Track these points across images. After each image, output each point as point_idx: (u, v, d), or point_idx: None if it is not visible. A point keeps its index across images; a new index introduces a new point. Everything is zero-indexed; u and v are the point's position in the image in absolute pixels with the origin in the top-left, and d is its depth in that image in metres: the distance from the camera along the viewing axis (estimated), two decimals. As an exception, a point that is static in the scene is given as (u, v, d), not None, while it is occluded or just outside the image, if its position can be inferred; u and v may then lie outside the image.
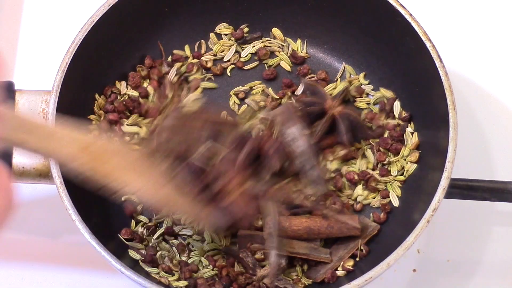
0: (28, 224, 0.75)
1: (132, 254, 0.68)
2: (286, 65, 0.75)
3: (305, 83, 0.73)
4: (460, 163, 0.66)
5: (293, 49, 0.76)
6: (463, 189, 0.68)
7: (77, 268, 0.73)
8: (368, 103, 0.74)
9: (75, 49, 0.68)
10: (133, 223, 0.70)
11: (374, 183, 0.70)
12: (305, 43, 0.76)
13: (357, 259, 0.67)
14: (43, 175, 0.68)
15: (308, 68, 0.75)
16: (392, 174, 0.70)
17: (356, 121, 0.71)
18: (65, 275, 0.73)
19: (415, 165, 0.70)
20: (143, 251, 0.69)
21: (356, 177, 0.70)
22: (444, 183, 0.63)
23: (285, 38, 0.76)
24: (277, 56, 0.76)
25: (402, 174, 0.70)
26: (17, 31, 0.83)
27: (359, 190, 0.70)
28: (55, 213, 0.71)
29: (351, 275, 0.66)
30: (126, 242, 0.69)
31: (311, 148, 0.68)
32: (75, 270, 0.73)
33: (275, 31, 0.76)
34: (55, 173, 0.64)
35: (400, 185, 0.70)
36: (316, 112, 0.70)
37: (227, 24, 0.76)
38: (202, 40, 0.76)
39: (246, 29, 0.76)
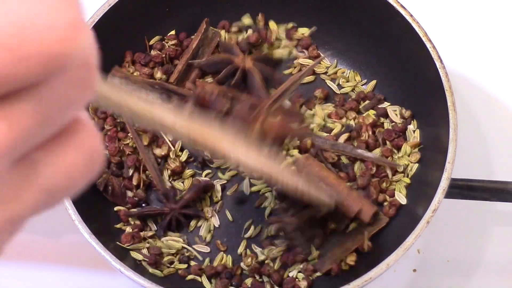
0: (28, 223, 0.75)
1: (134, 254, 0.68)
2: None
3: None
4: (460, 163, 0.66)
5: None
6: (463, 189, 0.68)
7: (77, 268, 0.73)
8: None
9: (75, 49, 0.68)
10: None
11: (385, 184, 0.70)
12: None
13: (365, 249, 0.67)
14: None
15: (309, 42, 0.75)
16: (398, 170, 0.70)
17: (268, 72, 0.71)
18: (65, 275, 0.73)
19: (416, 165, 0.70)
20: (144, 251, 0.68)
21: (374, 168, 0.70)
22: (444, 184, 0.63)
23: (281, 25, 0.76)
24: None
25: (406, 176, 0.70)
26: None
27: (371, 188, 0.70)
28: (55, 213, 0.71)
29: (351, 275, 0.66)
30: (126, 248, 0.69)
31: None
32: (75, 270, 0.73)
33: (272, 24, 0.76)
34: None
35: (405, 185, 0.70)
36: (228, 69, 0.71)
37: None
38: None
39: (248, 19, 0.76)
